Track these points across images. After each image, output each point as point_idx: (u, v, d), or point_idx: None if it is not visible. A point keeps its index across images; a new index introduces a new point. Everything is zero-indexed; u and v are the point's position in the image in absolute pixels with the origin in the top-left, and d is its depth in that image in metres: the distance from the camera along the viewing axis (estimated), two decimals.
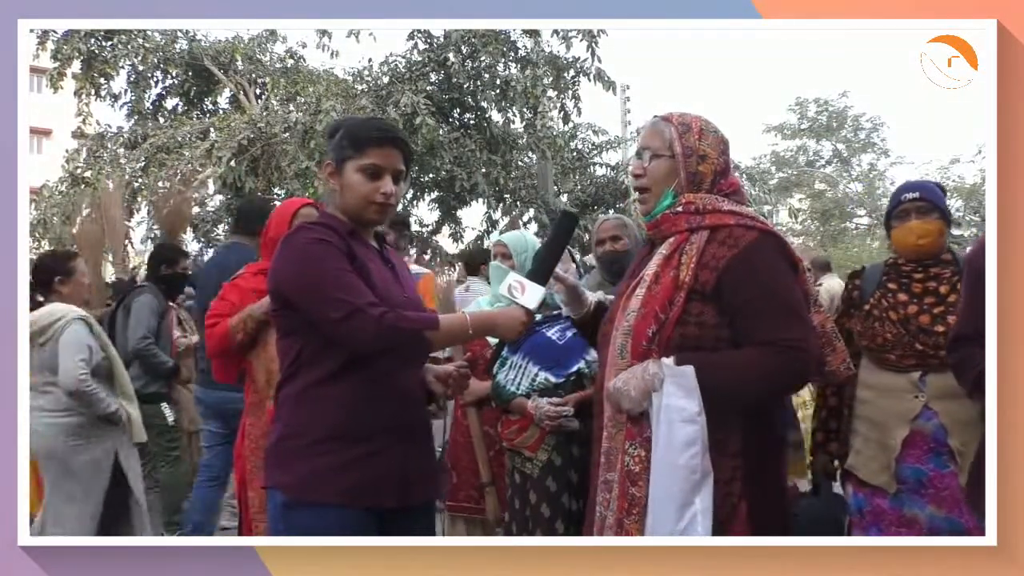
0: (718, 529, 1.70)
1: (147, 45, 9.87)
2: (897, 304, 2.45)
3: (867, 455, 2.45)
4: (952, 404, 2.31)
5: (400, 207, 10.61)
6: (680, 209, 1.84)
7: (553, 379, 2.61)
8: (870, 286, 2.53)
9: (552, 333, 2.67)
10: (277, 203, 4.56)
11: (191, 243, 10.08)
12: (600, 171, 11.53)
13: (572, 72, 9.74)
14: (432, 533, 2.01)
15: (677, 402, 1.69)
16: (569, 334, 2.61)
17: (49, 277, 3.24)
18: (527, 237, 2.96)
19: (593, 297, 2.13)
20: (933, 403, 2.35)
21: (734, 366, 1.74)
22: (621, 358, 1.80)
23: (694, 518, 1.66)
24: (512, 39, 9.46)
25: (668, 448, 1.69)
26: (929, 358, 2.36)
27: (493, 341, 2.44)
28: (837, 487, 2.64)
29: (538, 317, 2.72)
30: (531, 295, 1.87)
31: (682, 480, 1.67)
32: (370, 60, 10.02)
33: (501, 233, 10.03)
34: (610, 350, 1.84)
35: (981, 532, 2.19)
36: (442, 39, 9.40)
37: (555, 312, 2.69)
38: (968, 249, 2.21)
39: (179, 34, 10.07)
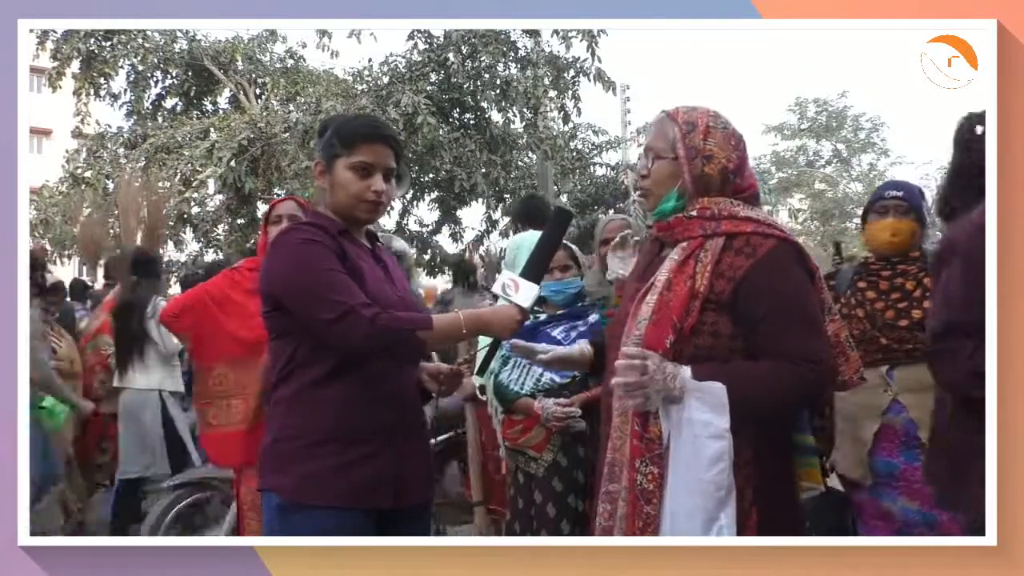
0: None
1: (147, 45, 9.88)
2: (865, 301, 2.50)
3: (844, 450, 2.49)
4: (922, 397, 2.31)
5: (400, 207, 10.68)
6: (694, 214, 1.75)
7: (558, 379, 2.60)
8: (842, 287, 2.58)
9: (557, 333, 2.65)
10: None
11: (191, 243, 10.09)
12: (600, 171, 11.55)
13: (572, 72, 9.73)
14: (428, 533, 2.01)
15: (702, 416, 1.62)
16: (574, 334, 2.59)
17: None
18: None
19: (582, 346, 2.03)
20: (902, 397, 2.40)
21: (751, 379, 1.66)
22: None
23: (720, 532, 1.62)
24: (512, 39, 9.45)
25: (692, 463, 1.63)
26: (894, 352, 2.41)
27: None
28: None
29: (543, 316, 2.72)
30: (525, 293, 1.83)
31: (708, 496, 1.62)
32: (370, 60, 10.05)
33: (502, 234, 10.06)
34: (620, 355, 1.74)
35: (955, 527, 2.21)
36: (442, 39, 9.40)
37: (559, 312, 2.68)
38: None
39: (179, 34, 10.08)
